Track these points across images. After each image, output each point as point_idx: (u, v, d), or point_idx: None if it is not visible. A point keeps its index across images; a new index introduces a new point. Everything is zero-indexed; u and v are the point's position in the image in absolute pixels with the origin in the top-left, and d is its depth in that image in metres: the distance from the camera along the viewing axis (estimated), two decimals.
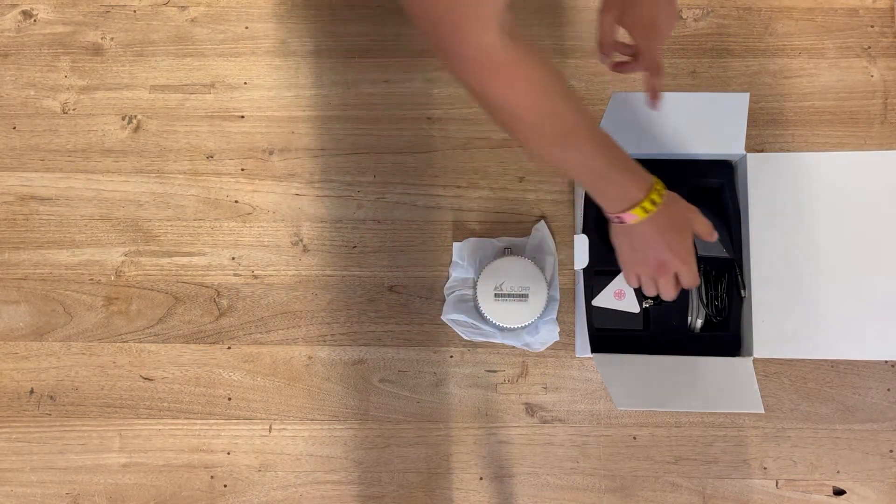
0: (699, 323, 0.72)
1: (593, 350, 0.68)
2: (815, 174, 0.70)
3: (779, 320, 0.68)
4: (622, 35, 0.63)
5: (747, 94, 0.69)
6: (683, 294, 0.71)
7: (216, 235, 0.79)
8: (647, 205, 0.58)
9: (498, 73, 0.47)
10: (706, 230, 0.62)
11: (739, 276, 0.70)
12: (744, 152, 0.70)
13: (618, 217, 0.59)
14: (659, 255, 0.60)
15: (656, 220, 0.59)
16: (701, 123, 0.70)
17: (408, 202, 0.80)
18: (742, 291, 0.70)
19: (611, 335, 0.72)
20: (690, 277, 0.62)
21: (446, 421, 0.76)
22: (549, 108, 0.51)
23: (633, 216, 0.58)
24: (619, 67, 0.65)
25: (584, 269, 0.70)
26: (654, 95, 0.64)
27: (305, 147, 0.81)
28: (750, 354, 0.68)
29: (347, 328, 0.77)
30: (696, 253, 0.71)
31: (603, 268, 0.71)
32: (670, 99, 0.70)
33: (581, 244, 0.68)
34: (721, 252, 0.71)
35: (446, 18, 0.44)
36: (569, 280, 0.78)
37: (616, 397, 0.65)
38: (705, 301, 0.72)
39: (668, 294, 0.62)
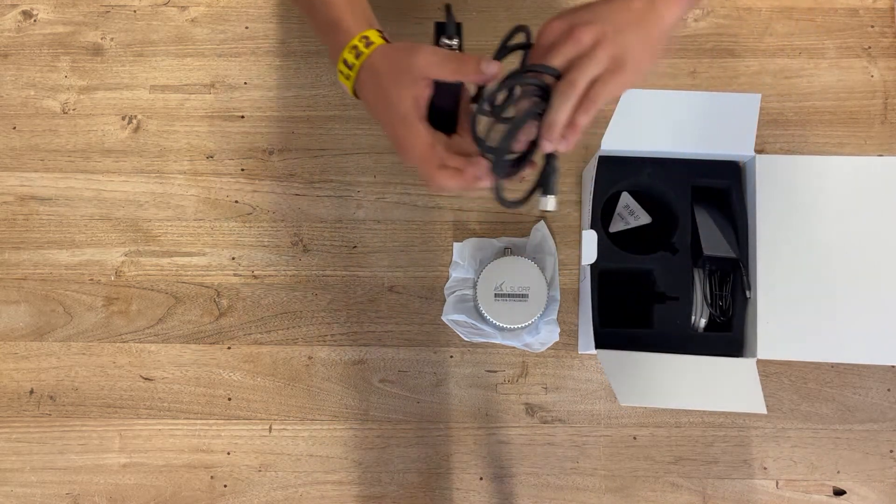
0: (703, 323, 0.72)
1: (597, 348, 0.68)
2: (824, 178, 0.70)
3: (784, 322, 0.68)
4: None
5: (758, 96, 0.68)
6: (688, 293, 0.71)
7: (216, 235, 0.79)
8: (347, 56, 0.44)
9: None
10: (448, 66, 0.44)
11: (745, 277, 0.70)
12: (753, 153, 0.70)
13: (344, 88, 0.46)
14: (388, 133, 0.46)
15: (367, 84, 0.45)
16: (710, 123, 0.70)
17: (408, 202, 0.80)
18: (747, 292, 0.70)
19: (614, 333, 0.71)
20: (423, 169, 0.45)
21: (446, 421, 0.76)
22: None
23: (343, 84, 0.46)
24: None
25: (590, 266, 0.70)
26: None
27: (305, 147, 0.81)
28: (753, 355, 0.68)
29: (347, 328, 0.77)
30: (703, 253, 0.71)
31: (609, 265, 0.71)
32: (680, 98, 0.70)
33: (589, 239, 0.68)
34: (728, 252, 0.71)
35: None
36: (569, 280, 0.78)
37: (620, 394, 0.65)
38: (710, 301, 0.72)
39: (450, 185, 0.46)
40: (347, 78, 0.46)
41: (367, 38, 0.47)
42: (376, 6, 0.84)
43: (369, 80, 0.46)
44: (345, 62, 0.45)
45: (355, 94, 0.49)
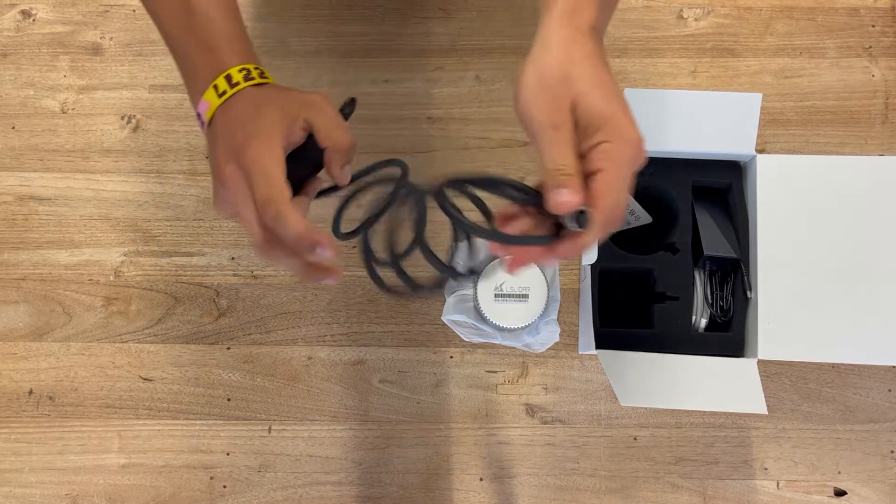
0: (703, 323, 0.71)
1: (597, 348, 0.68)
2: (825, 177, 0.70)
3: (784, 322, 0.68)
4: None
5: (759, 95, 0.68)
6: (688, 293, 0.71)
7: (216, 235, 0.79)
8: (233, 73, 0.40)
9: None
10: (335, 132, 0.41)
11: (745, 277, 0.70)
12: (754, 153, 0.70)
13: (198, 116, 0.43)
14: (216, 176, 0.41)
15: (239, 104, 0.41)
16: (711, 123, 0.70)
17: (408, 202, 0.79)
18: (748, 292, 0.70)
19: (614, 333, 0.71)
20: (250, 229, 0.40)
21: (446, 422, 0.76)
22: None
23: (206, 103, 0.42)
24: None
25: (590, 266, 0.70)
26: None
27: None
28: (754, 355, 0.68)
29: (347, 328, 0.77)
30: (703, 253, 0.71)
31: (609, 265, 0.71)
32: (680, 98, 0.70)
33: None
34: (728, 252, 0.70)
35: None
36: (569, 280, 0.78)
37: (620, 394, 0.65)
38: (710, 301, 0.71)
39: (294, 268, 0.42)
40: (221, 95, 0.42)
41: (262, 71, 0.44)
42: (376, 5, 0.84)
43: (245, 101, 0.42)
44: (228, 78, 0.41)
45: (211, 117, 0.44)
